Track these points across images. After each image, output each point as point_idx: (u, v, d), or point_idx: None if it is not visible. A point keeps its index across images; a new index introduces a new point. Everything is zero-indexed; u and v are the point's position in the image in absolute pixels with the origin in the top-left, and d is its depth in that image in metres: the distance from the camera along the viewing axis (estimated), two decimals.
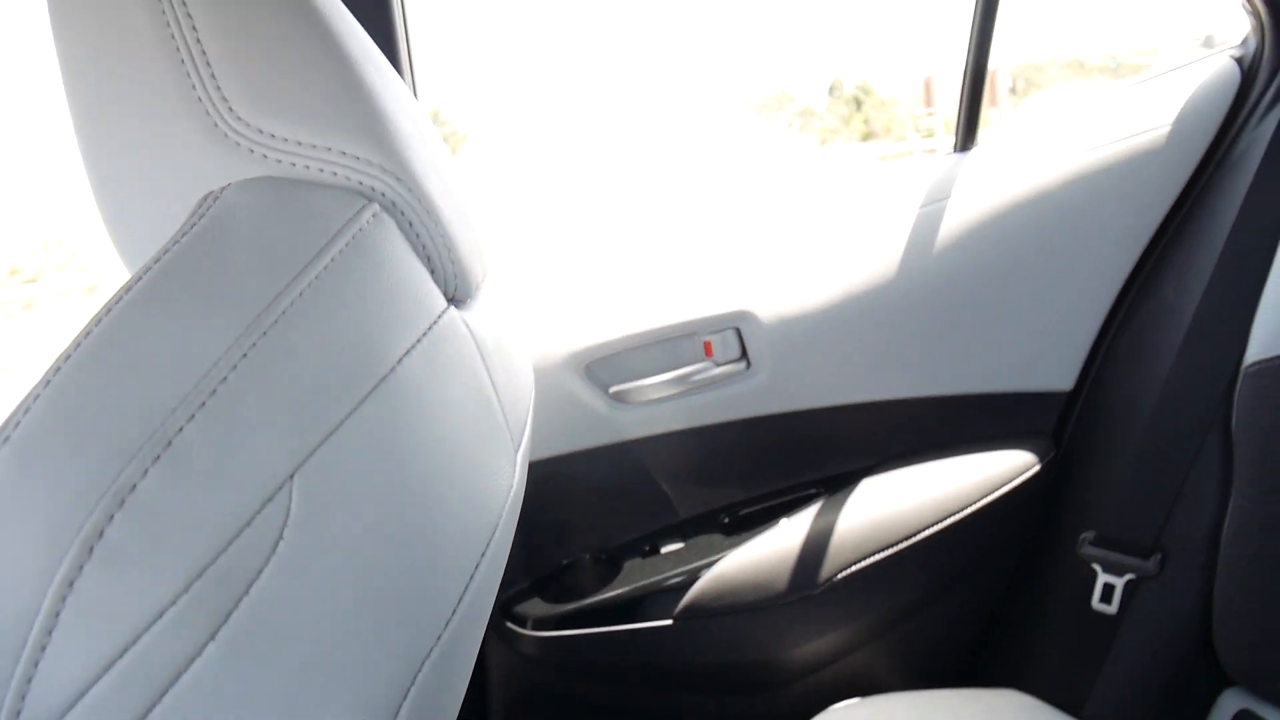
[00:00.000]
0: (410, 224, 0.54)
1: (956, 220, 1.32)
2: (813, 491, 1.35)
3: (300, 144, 0.50)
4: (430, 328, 0.52)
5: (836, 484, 1.35)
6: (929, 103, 15.04)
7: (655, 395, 1.27)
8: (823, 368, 1.31)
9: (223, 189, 0.49)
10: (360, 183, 0.52)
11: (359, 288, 0.48)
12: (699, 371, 1.27)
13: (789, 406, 1.32)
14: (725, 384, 1.29)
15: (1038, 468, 1.30)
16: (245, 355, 0.42)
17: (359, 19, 1.01)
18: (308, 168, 0.50)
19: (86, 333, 0.42)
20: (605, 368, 1.27)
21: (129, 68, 0.50)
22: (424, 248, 0.55)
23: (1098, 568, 1.19)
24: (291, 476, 0.42)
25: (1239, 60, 1.33)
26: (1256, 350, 1.07)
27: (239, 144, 0.49)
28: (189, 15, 0.49)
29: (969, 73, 1.38)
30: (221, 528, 0.40)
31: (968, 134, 1.40)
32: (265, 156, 0.50)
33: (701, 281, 1.30)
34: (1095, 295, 1.34)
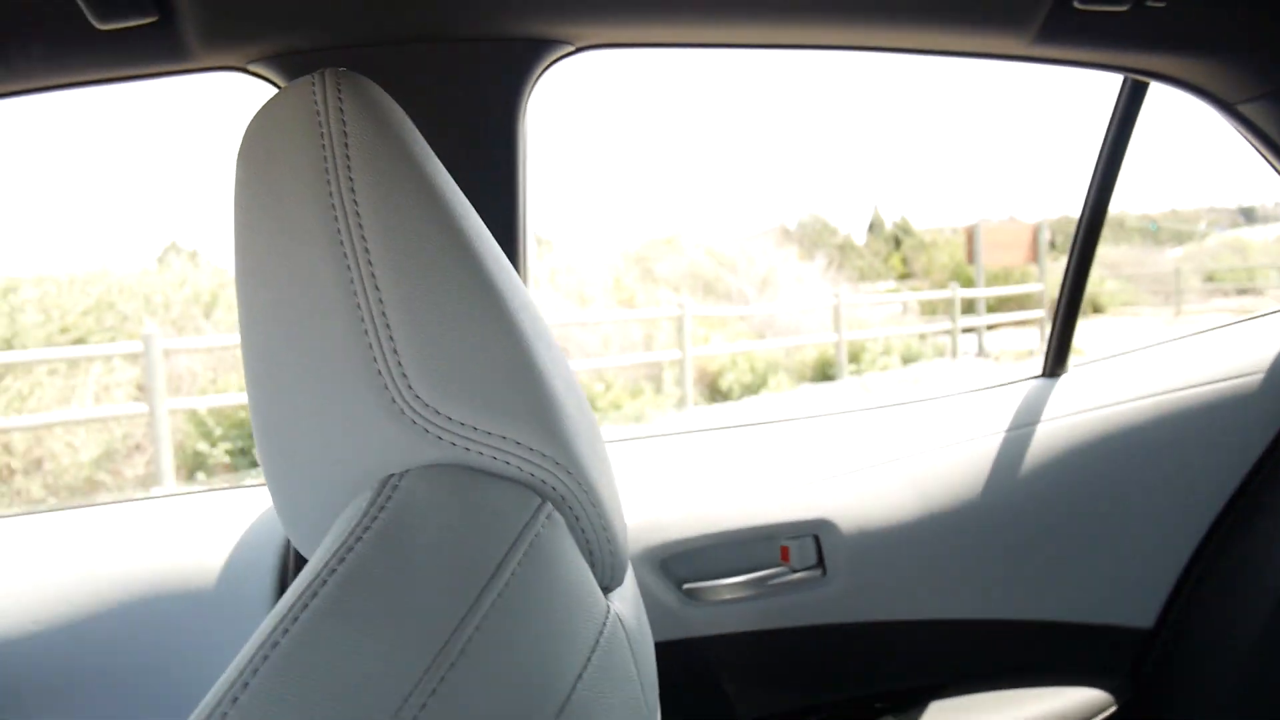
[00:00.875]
0: (577, 519, 0.53)
1: (1043, 447, 1.32)
2: (878, 706, 1.32)
3: (476, 429, 0.49)
4: (598, 642, 0.50)
5: (903, 701, 1.31)
6: (970, 254, 15.16)
7: (729, 595, 1.25)
8: (899, 581, 1.29)
9: (402, 475, 0.49)
10: (532, 475, 0.51)
11: (538, 603, 0.47)
12: (775, 576, 1.26)
13: (861, 617, 1.29)
14: (799, 590, 1.27)
15: (1113, 709, 1.26)
16: (434, 691, 0.40)
17: (487, 197, 1.04)
18: (481, 454, 0.50)
19: (273, 643, 0.40)
20: (680, 563, 1.26)
21: (311, 327, 0.50)
22: (587, 543, 0.54)
23: None
24: None
25: None
26: None
27: (414, 422, 0.49)
28: (376, 286, 0.49)
29: (1065, 296, 1.40)
30: None
31: (1059, 359, 1.41)
32: (440, 438, 0.49)
33: (782, 485, 1.30)
34: (1181, 534, 1.32)
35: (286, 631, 0.41)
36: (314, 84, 0.53)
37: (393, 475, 0.49)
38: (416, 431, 0.49)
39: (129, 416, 7.56)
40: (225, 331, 9.45)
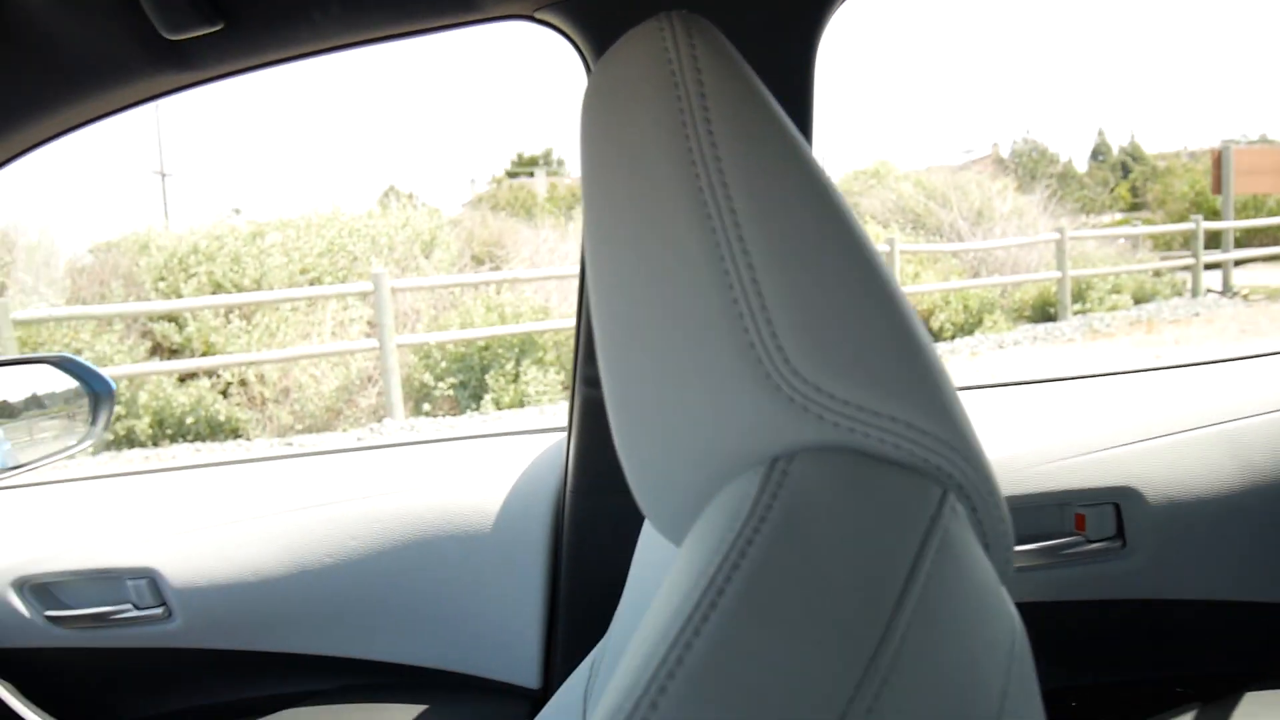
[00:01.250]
0: (975, 509, 0.47)
1: None
2: (1180, 690, 1.21)
3: (862, 410, 0.44)
4: (1012, 649, 0.45)
5: (1210, 687, 1.19)
6: (1216, 181, 13.59)
7: (1016, 563, 1.17)
8: (1211, 558, 1.17)
9: (790, 459, 0.44)
10: (926, 460, 0.45)
11: (956, 607, 0.42)
12: (1069, 545, 1.16)
13: (1165, 594, 1.18)
14: (1095, 561, 1.17)
15: None
16: (870, 709, 0.37)
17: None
18: (868, 436, 0.44)
19: (686, 644, 0.37)
20: None
21: (672, 294, 0.46)
22: (984, 535, 0.49)
23: None
24: None
25: None
26: None
27: (793, 400, 0.44)
28: (745, 250, 0.44)
29: None
30: None
31: None
32: (823, 418, 0.44)
33: (1079, 448, 1.19)
34: None
35: (698, 632, 0.38)
36: (663, 28, 0.49)
37: (779, 459, 0.45)
38: (796, 410, 0.44)
39: (362, 351, 8.13)
40: (443, 272, 9.95)
